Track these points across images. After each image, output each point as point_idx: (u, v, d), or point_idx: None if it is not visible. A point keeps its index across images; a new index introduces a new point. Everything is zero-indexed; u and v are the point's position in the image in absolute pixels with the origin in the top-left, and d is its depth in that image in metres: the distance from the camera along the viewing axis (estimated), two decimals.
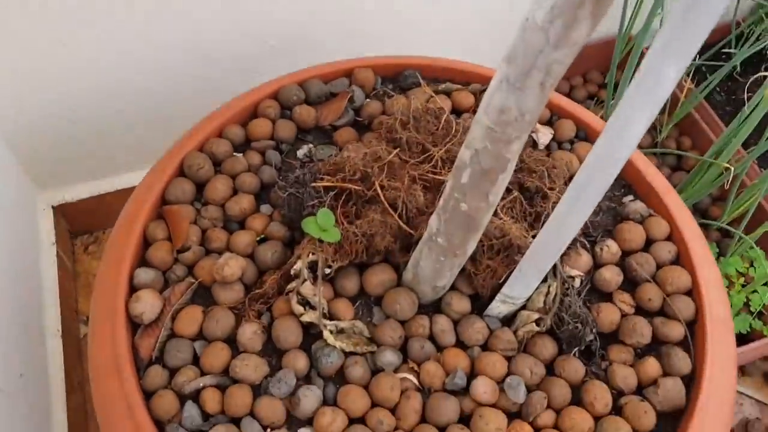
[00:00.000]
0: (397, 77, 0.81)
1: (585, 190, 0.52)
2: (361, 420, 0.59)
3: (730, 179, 0.88)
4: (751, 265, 0.99)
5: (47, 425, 0.92)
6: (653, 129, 1.18)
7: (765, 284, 0.96)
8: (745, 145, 1.06)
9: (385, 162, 0.65)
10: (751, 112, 0.88)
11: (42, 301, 1.03)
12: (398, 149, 0.67)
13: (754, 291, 0.96)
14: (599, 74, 1.29)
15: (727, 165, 0.88)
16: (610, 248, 0.67)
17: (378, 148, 0.66)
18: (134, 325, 0.63)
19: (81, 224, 1.22)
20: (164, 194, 0.70)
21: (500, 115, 0.47)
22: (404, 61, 0.80)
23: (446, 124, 0.70)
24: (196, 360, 0.61)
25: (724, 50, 1.21)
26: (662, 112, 1.13)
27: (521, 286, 0.61)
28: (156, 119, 1.10)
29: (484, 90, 0.79)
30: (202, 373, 0.60)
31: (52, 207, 1.16)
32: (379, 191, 0.65)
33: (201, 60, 1.03)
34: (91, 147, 1.10)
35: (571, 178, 0.72)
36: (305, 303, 0.63)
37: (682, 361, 0.61)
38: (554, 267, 0.65)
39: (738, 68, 1.24)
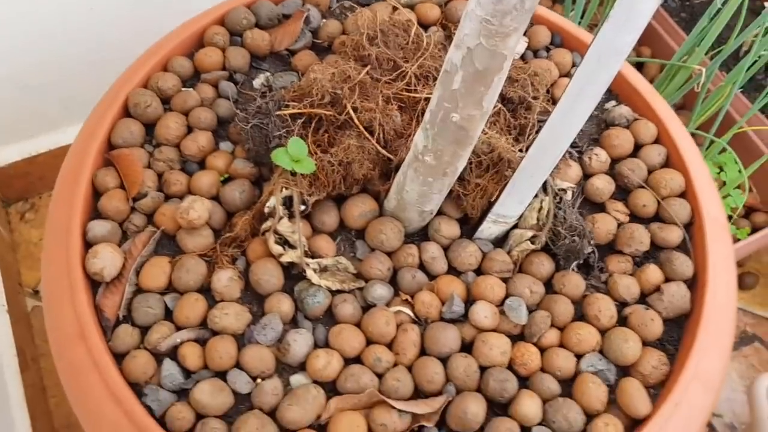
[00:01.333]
0: None
1: (581, 94, 0.48)
2: (357, 360, 0.55)
3: (702, 82, 0.86)
4: (721, 170, 0.98)
5: (5, 406, 0.85)
6: None
7: (737, 188, 0.96)
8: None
9: (355, 82, 0.60)
10: (715, 15, 0.86)
11: None
12: (368, 67, 0.61)
13: (727, 195, 0.96)
14: None
15: (698, 67, 0.86)
16: (599, 156, 0.64)
17: (346, 66, 0.60)
18: (94, 285, 0.56)
19: (14, 191, 1.12)
20: (110, 138, 0.62)
21: (497, 3, 0.41)
22: None
23: (416, 37, 0.64)
24: (168, 315, 0.56)
25: None
26: None
27: (514, 202, 0.57)
28: (92, 67, 1.00)
29: (449, 1, 0.74)
30: (177, 328, 0.55)
31: None
32: (353, 114, 0.59)
33: None
34: (16, 104, 1.00)
35: (552, 85, 0.68)
36: (283, 242, 0.58)
37: (683, 264, 0.59)
38: (544, 181, 0.61)
39: None
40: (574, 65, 0.71)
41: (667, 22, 1.12)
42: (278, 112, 0.60)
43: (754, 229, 0.99)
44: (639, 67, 1.14)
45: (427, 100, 0.61)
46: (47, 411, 0.94)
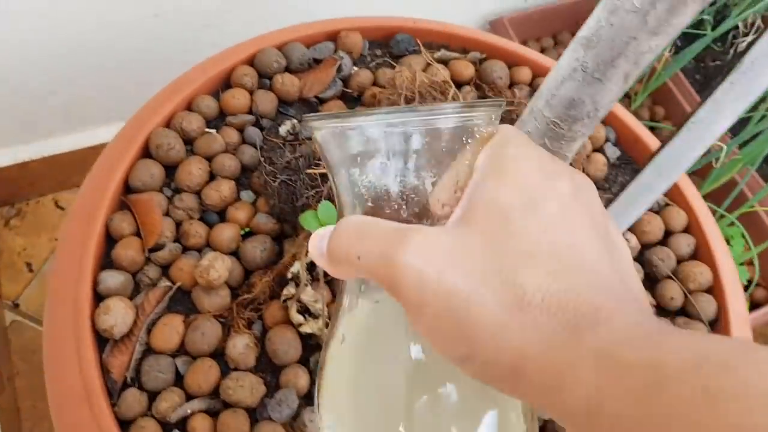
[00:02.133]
0: (387, 42, 0.72)
1: (637, 200, 0.47)
2: None
3: (722, 156, 0.85)
4: (728, 243, 0.98)
5: None
6: (626, 97, 1.14)
7: (741, 264, 0.96)
8: None
9: None
10: None
11: None
12: None
13: None
14: (570, 36, 1.23)
15: (719, 143, 0.85)
16: (630, 242, 0.63)
17: None
18: (101, 341, 0.53)
19: (0, 195, 1.07)
20: (128, 179, 0.59)
21: (569, 109, 0.40)
22: (396, 23, 0.71)
23: (453, 100, 0.62)
24: (178, 379, 0.53)
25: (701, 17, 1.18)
26: (638, 81, 1.09)
27: None
28: (93, 76, 0.96)
29: (485, 59, 0.72)
30: (188, 396, 0.52)
31: None
32: None
33: (136, 7, 0.90)
34: (11, 109, 0.95)
35: (586, 159, 0.67)
36: (304, 311, 0.55)
37: None
38: None
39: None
40: (607, 140, 0.70)
41: (682, 83, 1.12)
42: (308, 171, 0.58)
43: (754, 305, 1.00)
44: (653, 130, 1.13)
45: None
46: None
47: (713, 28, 1.07)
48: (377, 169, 0.30)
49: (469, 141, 0.29)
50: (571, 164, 0.60)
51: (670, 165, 0.44)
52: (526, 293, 0.23)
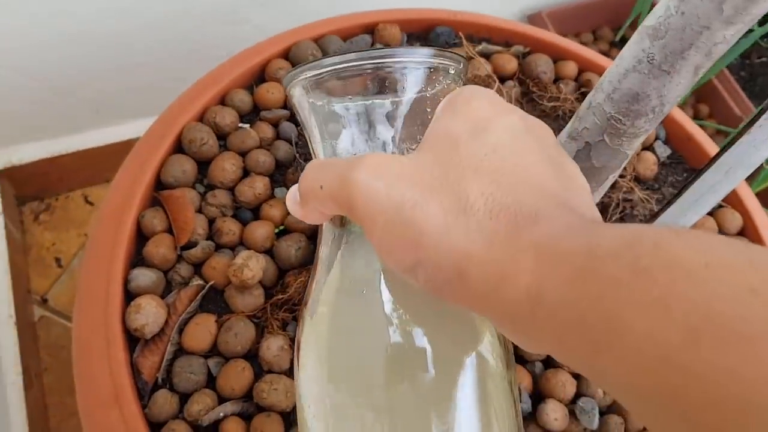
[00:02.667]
0: (426, 35, 0.70)
1: (699, 201, 0.44)
2: None
3: None
4: None
5: (5, 429, 0.80)
6: None
7: None
8: None
9: None
10: None
11: None
12: None
13: None
14: (610, 31, 1.20)
15: None
16: None
17: None
18: (131, 340, 0.51)
19: (30, 189, 1.07)
20: (160, 174, 0.57)
21: (632, 103, 0.37)
22: (435, 15, 0.69)
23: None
24: (210, 381, 0.51)
25: None
26: None
27: None
28: (123, 71, 0.95)
29: (528, 53, 0.69)
30: (220, 399, 0.50)
31: None
32: None
33: (166, 2, 0.89)
34: (43, 101, 0.95)
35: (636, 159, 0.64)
36: None
37: None
38: None
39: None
40: (657, 138, 0.66)
41: (728, 80, 1.08)
42: None
43: None
44: None
45: None
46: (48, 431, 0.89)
47: (760, 24, 1.03)
48: (348, 125, 0.32)
49: (429, 89, 0.31)
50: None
51: (737, 164, 0.41)
52: (469, 198, 0.24)
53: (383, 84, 0.32)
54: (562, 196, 0.25)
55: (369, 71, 0.31)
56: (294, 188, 0.32)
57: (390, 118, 0.32)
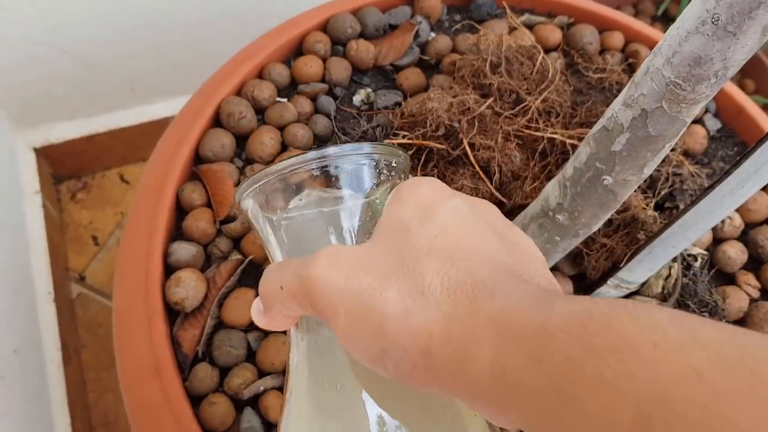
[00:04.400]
0: (467, 5, 0.68)
1: (759, 171, 0.42)
2: None
3: None
4: None
5: (46, 403, 0.81)
6: None
7: None
8: None
9: (474, 115, 0.54)
10: None
11: (29, 260, 0.90)
12: (490, 99, 0.55)
13: None
14: (652, 5, 1.16)
15: None
16: (733, 220, 0.57)
17: (466, 97, 0.54)
18: (171, 314, 0.51)
19: (67, 168, 1.08)
20: (198, 148, 0.57)
21: (693, 67, 0.35)
22: None
23: (541, 66, 0.58)
24: (250, 355, 0.51)
25: None
26: None
27: (644, 269, 0.51)
28: (159, 49, 0.95)
29: (572, 24, 0.67)
30: (260, 373, 0.50)
31: (34, 149, 1.01)
32: (469, 151, 0.53)
33: None
34: (79, 79, 0.95)
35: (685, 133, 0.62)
36: None
37: None
38: None
39: None
40: (707, 111, 0.64)
41: None
42: (386, 141, 0.54)
43: None
44: None
45: (549, 139, 0.55)
46: (86, 407, 0.90)
47: None
48: (296, 218, 0.33)
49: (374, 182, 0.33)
50: None
51: None
52: (425, 279, 0.24)
53: (330, 183, 0.32)
54: (515, 268, 0.26)
55: (315, 171, 0.32)
56: (257, 299, 0.32)
57: (341, 216, 0.32)
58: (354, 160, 0.32)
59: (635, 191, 0.55)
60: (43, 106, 0.97)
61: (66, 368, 0.86)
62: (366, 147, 0.33)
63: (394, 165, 0.34)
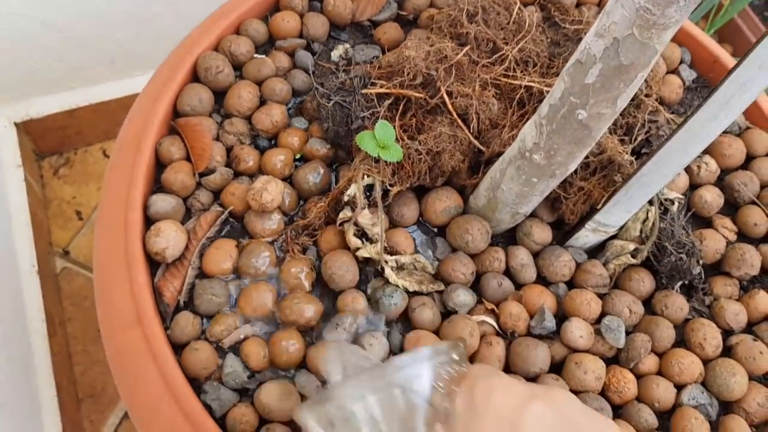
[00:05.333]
0: None
1: (730, 102, 0.42)
2: None
3: None
4: None
5: (30, 374, 0.81)
6: None
7: None
8: None
9: (452, 63, 0.54)
10: None
11: (12, 234, 0.90)
12: (467, 47, 0.55)
13: None
14: None
15: None
16: (709, 166, 0.58)
17: (443, 45, 0.54)
18: (153, 265, 0.51)
19: (49, 144, 1.07)
20: (176, 104, 0.57)
21: None
22: None
23: (517, 16, 0.58)
24: (232, 303, 0.51)
25: None
26: (703, 17, 1.03)
27: (621, 211, 0.52)
28: (141, 20, 0.94)
29: None
30: (242, 319, 0.50)
31: (15, 124, 1.00)
32: (447, 99, 0.53)
33: None
34: (60, 52, 0.94)
35: (660, 83, 0.62)
36: (361, 235, 0.52)
37: None
38: None
39: None
40: (682, 62, 0.64)
41: (751, 19, 1.05)
42: (364, 91, 0.54)
43: None
44: None
45: (526, 88, 0.55)
46: (72, 380, 0.90)
47: None
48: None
49: (440, 384, 0.33)
50: (646, 84, 0.56)
51: (752, 77, 0.40)
52: None
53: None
54: None
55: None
56: None
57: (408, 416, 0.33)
58: (421, 371, 0.34)
59: (611, 135, 0.55)
60: (23, 80, 0.96)
61: (51, 340, 0.86)
62: (427, 353, 0.34)
63: (456, 357, 0.35)
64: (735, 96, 0.42)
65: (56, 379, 0.84)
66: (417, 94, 0.54)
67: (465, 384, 0.31)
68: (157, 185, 0.55)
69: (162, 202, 0.52)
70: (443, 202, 0.55)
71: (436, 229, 0.56)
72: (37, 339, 0.84)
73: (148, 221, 0.52)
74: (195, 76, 0.59)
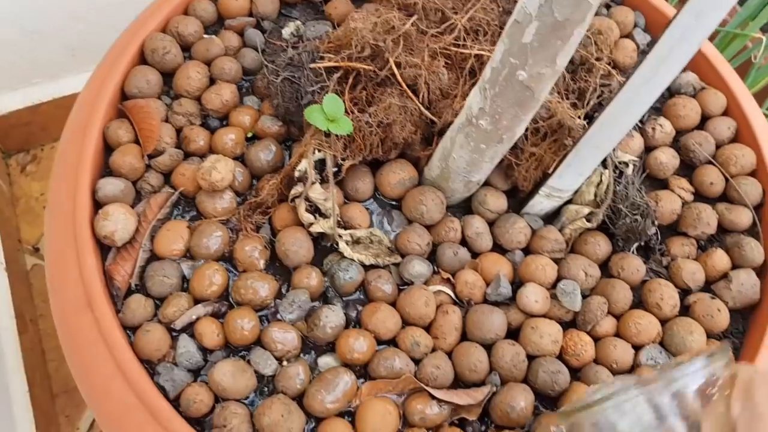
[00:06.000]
0: None
1: (670, 55, 0.42)
2: (392, 343, 0.50)
3: (761, 50, 0.79)
4: None
5: (1, 371, 0.80)
6: None
7: None
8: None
9: (399, 33, 0.53)
10: None
11: None
12: (414, 17, 0.55)
13: None
14: None
15: (757, 35, 0.79)
16: (663, 127, 0.58)
17: (390, 15, 0.53)
18: (104, 249, 0.51)
19: (14, 141, 1.06)
20: (124, 87, 0.56)
21: None
22: None
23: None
24: (185, 285, 0.50)
25: None
26: None
27: (573, 175, 0.52)
28: (101, 11, 0.93)
29: None
30: (195, 300, 0.49)
31: None
32: (395, 70, 0.53)
33: None
34: (18, 48, 0.93)
35: (613, 47, 0.62)
36: (314, 210, 0.52)
37: (753, 250, 0.53)
38: None
39: None
40: (636, 26, 0.64)
41: None
42: (312, 65, 0.54)
43: None
44: None
45: (477, 57, 0.55)
46: (46, 375, 0.90)
47: None
48: None
49: (714, 391, 0.33)
50: (596, 47, 0.55)
51: (690, 26, 0.39)
52: None
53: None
54: None
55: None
56: None
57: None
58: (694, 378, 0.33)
59: (563, 99, 0.55)
60: None
61: (21, 337, 0.85)
62: (700, 364, 0.33)
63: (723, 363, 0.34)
64: (674, 48, 0.41)
65: (28, 375, 0.84)
66: (365, 67, 0.53)
67: (740, 389, 0.31)
68: (106, 169, 0.54)
69: (110, 186, 0.51)
70: (397, 175, 0.54)
71: (392, 203, 0.56)
72: (7, 336, 0.83)
73: (98, 206, 0.52)
74: (143, 59, 0.58)
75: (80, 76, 1.02)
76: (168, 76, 0.58)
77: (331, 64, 0.53)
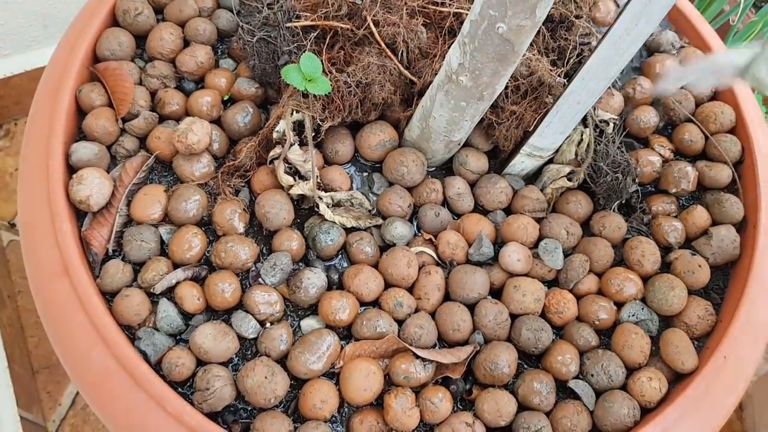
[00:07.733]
0: None
1: (650, 4, 0.42)
2: (375, 304, 0.49)
3: (740, 12, 0.79)
4: None
5: None
6: None
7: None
8: None
9: None
10: None
11: None
12: None
13: None
14: None
15: None
16: (643, 86, 0.58)
17: None
18: (79, 215, 0.50)
19: None
20: (95, 50, 0.55)
21: None
22: None
23: None
24: (164, 250, 0.50)
25: None
26: None
27: (554, 133, 0.51)
28: None
29: None
30: (174, 265, 0.49)
31: None
32: (374, 29, 0.52)
33: None
34: None
35: (593, 5, 0.61)
36: (293, 173, 0.51)
37: (733, 206, 0.53)
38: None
39: None
40: None
41: None
42: (288, 24, 0.53)
43: None
44: None
45: (456, 15, 0.54)
46: (26, 352, 0.89)
47: None
48: None
49: None
50: (576, 5, 0.55)
51: None
52: None
53: None
54: None
55: None
56: None
57: None
58: None
59: (542, 57, 0.54)
60: None
61: (0, 312, 0.84)
62: None
63: None
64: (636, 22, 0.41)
65: (7, 351, 0.83)
66: (343, 25, 0.52)
67: None
68: (80, 134, 0.53)
69: (84, 150, 0.50)
70: (377, 136, 0.54)
71: (373, 165, 0.55)
72: None
73: (72, 171, 0.50)
74: (114, 21, 0.56)
75: (52, 47, 0.98)
76: (141, 38, 0.56)
77: (308, 23, 0.52)
